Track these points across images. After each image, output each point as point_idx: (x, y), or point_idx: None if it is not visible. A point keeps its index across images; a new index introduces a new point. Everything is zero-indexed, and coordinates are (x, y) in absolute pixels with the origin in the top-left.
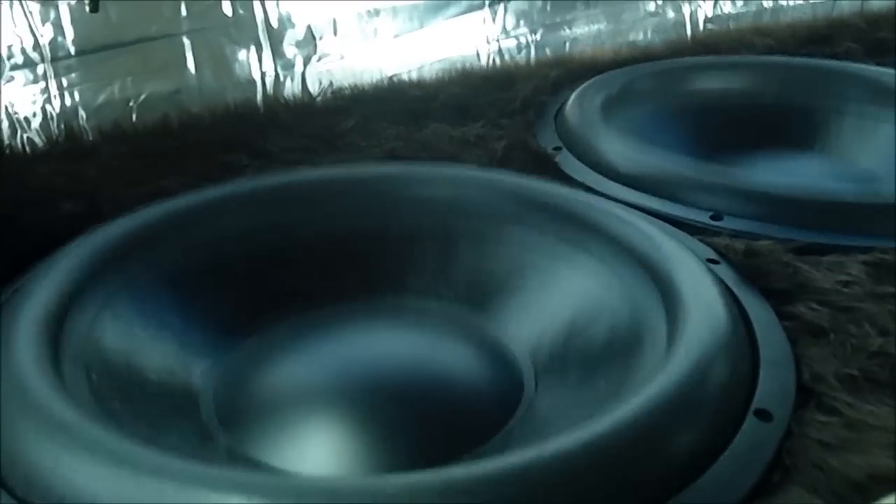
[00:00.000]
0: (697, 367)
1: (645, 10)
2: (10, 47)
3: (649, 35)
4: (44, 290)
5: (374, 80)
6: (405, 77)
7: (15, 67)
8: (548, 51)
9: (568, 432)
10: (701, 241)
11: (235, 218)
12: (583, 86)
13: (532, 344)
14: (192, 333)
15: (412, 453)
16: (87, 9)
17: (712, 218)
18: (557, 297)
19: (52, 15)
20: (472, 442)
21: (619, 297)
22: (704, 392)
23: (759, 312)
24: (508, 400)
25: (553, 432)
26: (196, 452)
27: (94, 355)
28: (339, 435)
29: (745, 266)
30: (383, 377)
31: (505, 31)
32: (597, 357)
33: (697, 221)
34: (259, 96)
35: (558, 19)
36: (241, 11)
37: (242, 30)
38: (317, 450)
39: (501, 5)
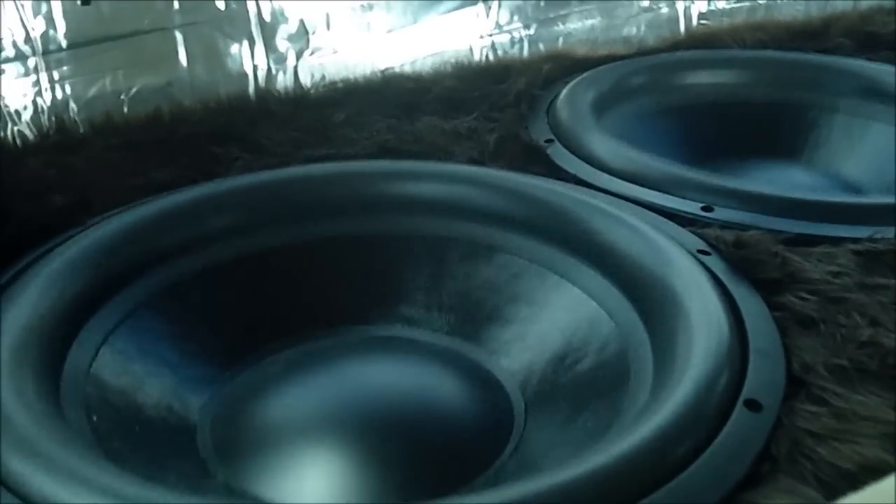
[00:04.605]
0: (700, 394)
1: (639, 6)
2: (1, 40)
3: (643, 31)
4: (39, 320)
5: (367, 74)
6: (398, 70)
7: (6, 60)
8: (541, 46)
9: (562, 467)
10: (692, 231)
11: (227, 244)
12: (576, 79)
13: (522, 375)
14: (189, 368)
15: (405, 488)
16: (79, 2)
17: (703, 209)
18: (546, 325)
19: (44, 8)
20: (465, 476)
21: (607, 325)
22: (704, 411)
23: (749, 303)
24: (499, 434)
25: (544, 466)
26: (194, 488)
27: (94, 393)
28: (333, 470)
29: (736, 257)
30: (377, 411)
31: (498, 26)
32: (586, 387)
33: (688, 212)
34: (251, 89)
35: (552, 14)
36: (233, 6)
37: (235, 24)
38: (311, 485)
39: (495, 1)
